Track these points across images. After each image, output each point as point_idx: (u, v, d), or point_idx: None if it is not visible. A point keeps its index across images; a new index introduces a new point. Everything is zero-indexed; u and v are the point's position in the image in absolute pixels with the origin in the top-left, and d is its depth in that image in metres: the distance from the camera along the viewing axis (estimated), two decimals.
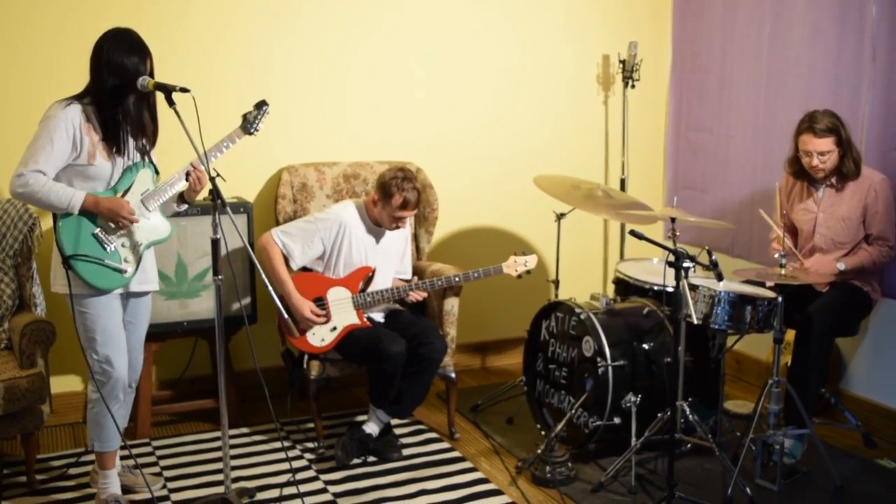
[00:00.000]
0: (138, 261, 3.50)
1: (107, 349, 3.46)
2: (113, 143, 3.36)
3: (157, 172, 3.55)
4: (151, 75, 3.36)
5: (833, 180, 4.24)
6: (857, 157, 4.17)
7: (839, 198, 4.24)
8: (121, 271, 3.44)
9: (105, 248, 3.40)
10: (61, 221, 3.35)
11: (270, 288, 3.42)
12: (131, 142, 3.43)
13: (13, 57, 4.36)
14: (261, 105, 3.73)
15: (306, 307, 4.16)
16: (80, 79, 3.39)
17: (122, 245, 3.45)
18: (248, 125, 3.69)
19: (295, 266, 4.26)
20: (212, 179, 3.28)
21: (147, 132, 3.48)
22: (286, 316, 3.62)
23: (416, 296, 4.33)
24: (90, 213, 3.36)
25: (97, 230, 3.38)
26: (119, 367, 3.49)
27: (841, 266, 4.13)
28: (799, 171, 4.32)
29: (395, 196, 4.17)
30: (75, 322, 3.44)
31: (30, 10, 4.34)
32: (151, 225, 3.53)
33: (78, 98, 3.37)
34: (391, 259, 4.43)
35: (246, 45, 4.77)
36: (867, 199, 4.16)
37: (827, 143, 4.11)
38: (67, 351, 4.31)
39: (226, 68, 4.72)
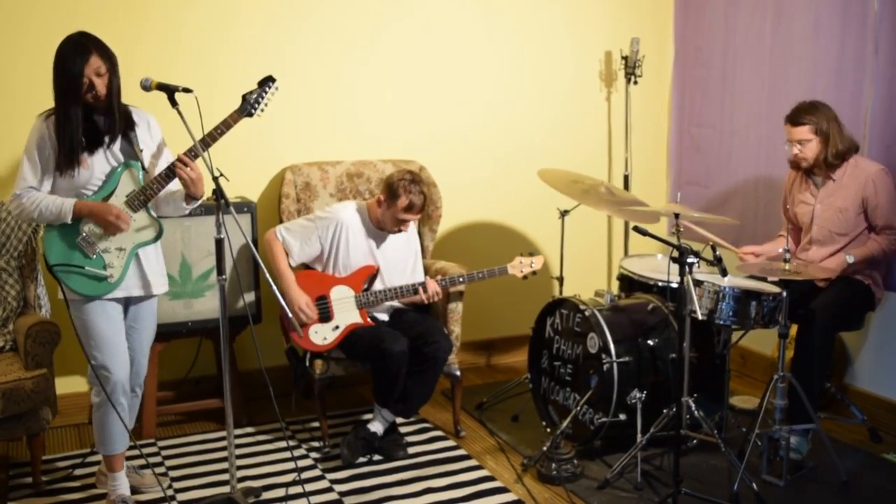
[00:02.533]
0: (127, 264, 3.46)
1: (103, 353, 3.45)
2: (67, 155, 3.30)
3: (144, 171, 3.47)
4: (110, 78, 3.29)
5: (824, 171, 4.25)
6: (843, 147, 4.17)
7: (836, 189, 4.24)
8: (103, 278, 3.41)
9: (87, 256, 3.38)
10: (46, 231, 3.38)
11: (274, 287, 3.42)
12: (76, 150, 3.33)
13: (16, 60, 4.36)
14: (265, 82, 3.53)
15: (302, 300, 4.16)
16: None
17: (106, 251, 3.41)
18: (246, 106, 3.48)
19: (293, 263, 4.26)
20: (215, 179, 3.26)
21: (117, 132, 3.40)
22: (290, 313, 3.62)
23: (433, 289, 4.24)
24: (78, 220, 3.36)
25: (79, 238, 3.37)
26: (117, 371, 3.47)
27: (850, 259, 4.12)
28: (794, 162, 4.34)
29: (402, 198, 4.16)
30: (74, 328, 3.45)
31: (32, 10, 4.35)
32: (138, 227, 3.47)
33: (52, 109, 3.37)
34: (392, 264, 4.40)
35: (249, 45, 4.77)
36: (865, 192, 4.16)
37: (803, 132, 4.17)
38: (72, 352, 4.30)
39: (228, 67, 4.72)
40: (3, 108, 4.37)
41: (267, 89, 3.54)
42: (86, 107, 3.32)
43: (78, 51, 3.25)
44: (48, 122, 3.34)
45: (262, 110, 3.53)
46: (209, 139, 3.41)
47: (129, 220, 3.40)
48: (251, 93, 3.52)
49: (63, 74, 3.25)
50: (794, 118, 4.21)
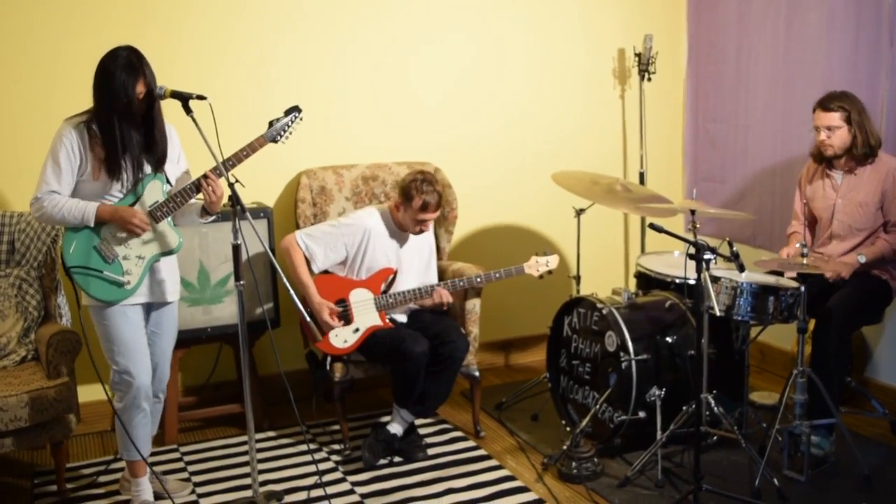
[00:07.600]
0: (144, 272, 3.50)
1: (125, 359, 3.50)
2: (113, 165, 3.37)
3: (168, 183, 3.54)
4: (150, 91, 3.35)
5: (850, 164, 4.22)
6: (874, 141, 4.14)
7: (857, 183, 4.22)
8: (121, 283, 3.45)
9: (106, 261, 3.42)
10: (66, 234, 3.42)
11: (292, 291, 3.44)
12: (130, 160, 3.40)
13: (17, 67, 4.38)
14: (290, 112, 3.65)
15: (325, 309, 4.17)
16: (86, 87, 3.40)
17: (125, 258, 3.46)
18: (273, 133, 3.60)
19: (317, 269, 4.27)
20: (231, 185, 3.29)
21: (156, 146, 3.47)
22: (308, 318, 3.63)
23: (443, 297, 4.28)
24: (99, 224, 3.40)
25: (99, 242, 3.41)
26: (139, 377, 3.51)
27: (862, 259, 4.10)
28: (819, 154, 4.31)
29: (416, 199, 4.18)
30: (96, 333, 3.50)
31: (33, 20, 4.37)
32: (159, 236, 3.52)
33: (85, 115, 3.41)
34: (415, 264, 4.43)
35: (259, 49, 4.79)
36: (885, 185, 4.14)
37: (834, 118, 4.12)
38: (93, 360, 4.34)
39: (238, 73, 4.74)
40: (5, 116, 4.41)
41: (293, 119, 3.65)
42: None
43: (132, 68, 3.29)
44: (82, 130, 3.36)
45: (287, 138, 3.64)
46: (234, 160, 3.48)
47: (148, 226, 3.44)
48: (277, 120, 3.61)
49: (112, 92, 3.29)
50: (826, 103, 4.15)
